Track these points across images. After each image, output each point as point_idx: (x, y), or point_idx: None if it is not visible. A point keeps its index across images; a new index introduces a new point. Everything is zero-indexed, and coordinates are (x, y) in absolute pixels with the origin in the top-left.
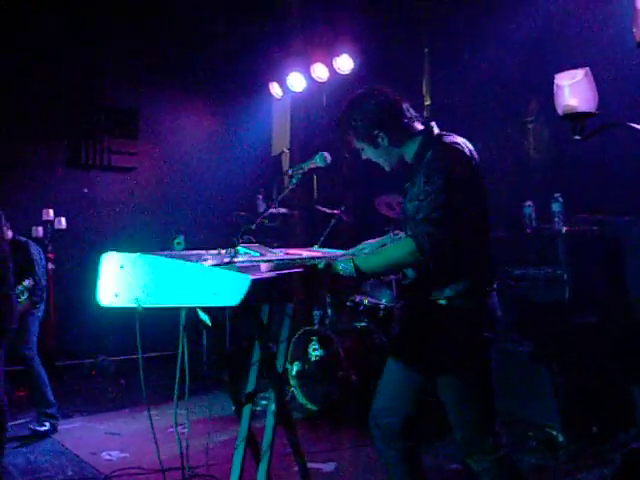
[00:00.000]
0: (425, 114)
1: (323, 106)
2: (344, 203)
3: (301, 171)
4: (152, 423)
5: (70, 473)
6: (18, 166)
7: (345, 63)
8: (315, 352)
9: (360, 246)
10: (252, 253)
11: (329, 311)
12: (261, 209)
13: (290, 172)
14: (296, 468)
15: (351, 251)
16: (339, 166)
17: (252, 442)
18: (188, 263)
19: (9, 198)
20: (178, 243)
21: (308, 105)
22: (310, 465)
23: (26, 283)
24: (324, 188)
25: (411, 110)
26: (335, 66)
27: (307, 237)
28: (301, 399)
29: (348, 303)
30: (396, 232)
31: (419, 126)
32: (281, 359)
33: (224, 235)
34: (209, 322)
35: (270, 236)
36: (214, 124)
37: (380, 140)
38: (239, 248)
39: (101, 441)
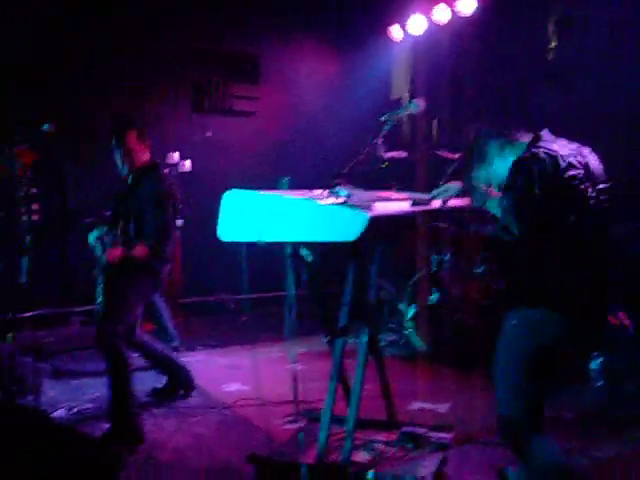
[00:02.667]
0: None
1: (444, 49)
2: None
3: (395, 117)
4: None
5: (194, 402)
6: (145, 112)
7: (467, 5)
8: (432, 295)
9: (444, 187)
10: (350, 194)
11: (447, 255)
12: (381, 153)
13: (384, 118)
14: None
15: (435, 192)
16: (459, 109)
17: (343, 375)
18: (308, 201)
19: None
20: (283, 184)
21: (429, 48)
22: (425, 405)
23: None
24: (445, 131)
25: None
26: (456, 8)
27: (427, 181)
28: (416, 341)
29: (467, 248)
30: None
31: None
32: (372, 293)
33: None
34: (310, 258)
35: (388, 180)
36: (334, 68)
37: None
38: (338, 189)
39: (222, 374)
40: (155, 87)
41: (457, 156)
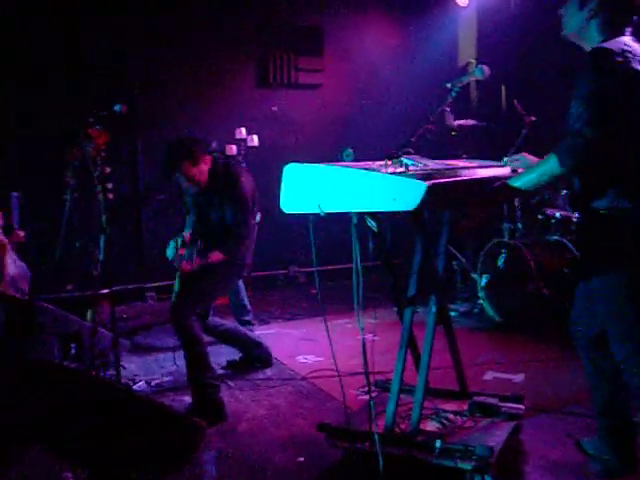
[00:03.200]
0: None
1: (511, 14)
2: (535, 113)
3: (460, 84)
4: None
5: (269, 373)
6: (212, 88)
7: None
8: (504, 264)
9: (516, 156)
10: (415, 163)
11: (519, 224)
12: (449, 121)
13: (449, 85)
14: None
15: (505, 160)
16: (531, 75)
17: (413, 344)
18: (367, 171)
19: (205, 120)
20: (347, 155)
21: (495, 13)
22: (500, 375)
23: None
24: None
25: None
26: None
27: (496, 149)
28: (490, 311)
29: (539, 216)
30: None
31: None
32: (441, 263)
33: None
34: (376, 228)
35: (456, 148)
36: (398, 38)
37: (587, 13)
38: (403, 159)
39: (297, 346)
40: (220, 63)
41: (528, 122)
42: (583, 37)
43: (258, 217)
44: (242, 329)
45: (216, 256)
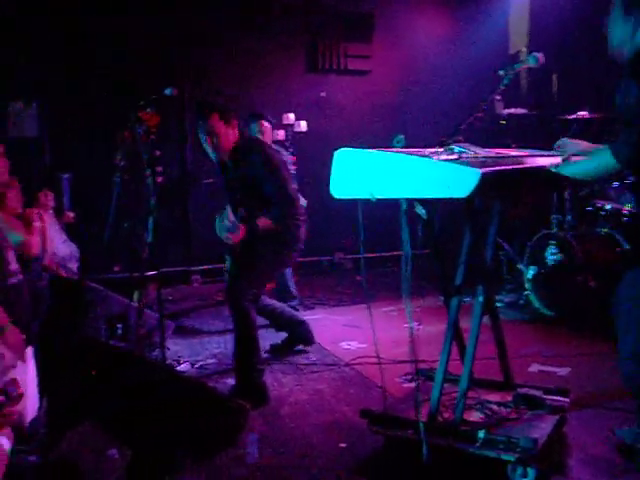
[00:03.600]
0: None
1: (564, 1)
2: (586, 104)
3: (512, 72)
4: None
5: (313, 359)
6: (261, 73)
7: None
8: (553, 256)
9: (564, 141)
10: (466, 151)
11: (568, 216)
12: (499, 110)
13: (501, 73)
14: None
15: (557, 150)
16: (581, 65)
17: (458, 334)
18: (420, 158)
19: (254, 105)
20: (398, 142)
21: (548, 1)
22: (545, 368)
23: None
24: (565, 88)
25: None
26: None
27: (546, 139)
28: (536, 303)
29: (588, 208)
30: None
31: None
32: (489, 253)
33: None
34: (425, 216)
35: (505, 137)
36: (449, 25)
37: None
38: (453, 146)
39: (341, 332)
40: (269, 48)
41: (581, 115)
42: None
43: (304, 202)
44: (288, 309)
45: (263, 222)
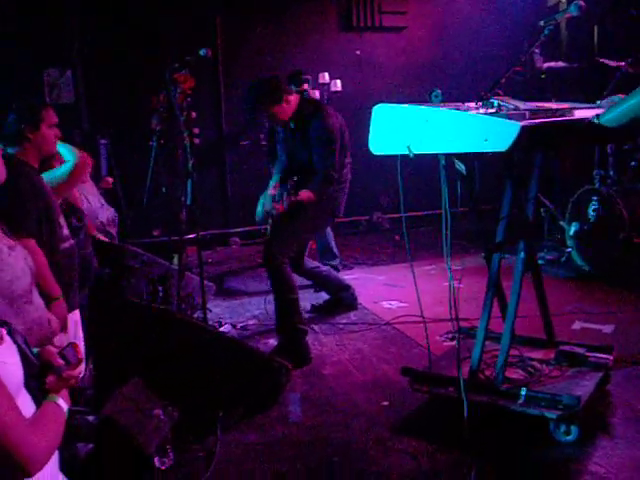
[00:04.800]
0: None
1: None
2: (632, 54)
3: (553, 22)
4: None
5: (354, 318)
6: (294, 33)
7: None
8: (595, 212)
9: (612, 97)
10: (505, 105)
11: (611, 171)
12: (538, 64)
13: (542, 23)
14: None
15: (599, 103)
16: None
17: (500, 291)
18: (459, 112)
19: (288, 65)
20: (435, 96)
21: None
22: (588, 325)
23: None
24: (607, 38)
25: None
26: None
27: (588, 92)
28: (578, 260)
29: (632, 162)
30: None
31: None
32: (530, 209)
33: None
34: (464, 171)
35: (545, 91)
36: None
37: None
38: (492, 101)
39: (381, 291)
40: (302, 6)
41: (623, 64)
42: None
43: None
44: (334, 272)
45: (305, 194)
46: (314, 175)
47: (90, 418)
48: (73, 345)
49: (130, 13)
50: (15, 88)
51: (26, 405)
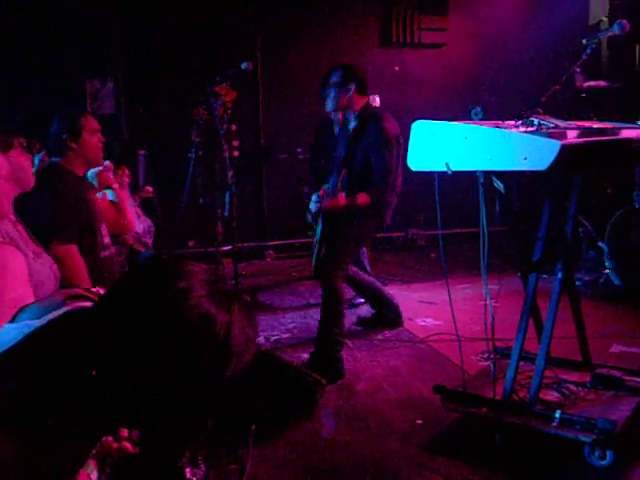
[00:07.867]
0: None
1: None
2: None
3: (596, 40)
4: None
5: (388, 335)
6: (334, 47)
7: None
8: (635, 234)
9: None
10: (545, 124)
11: None
12: (579, 82)
13: (585, 42)
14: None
15: None
16: None
17: (536, 311)
18: (498, 129)
19: None
20: (475, 114)
21: None
22: (626, 349)
23: None
24: None
25: None
26: None
27: (629, 112)
28: (616, 281)
29: None
30: None
31: None
32: (569, 228)
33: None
34: (503, 190)
35: (586, 110)
36: None
37: None
38: (533, 119)
39: (416, 308)
40: (342, 21)
41: None
42: None
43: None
44: (379, 285)
45: (363, 198)
46: (368, 180)
47: None
48: None
49: (172, 27)
50: (60, 98)
51: None
